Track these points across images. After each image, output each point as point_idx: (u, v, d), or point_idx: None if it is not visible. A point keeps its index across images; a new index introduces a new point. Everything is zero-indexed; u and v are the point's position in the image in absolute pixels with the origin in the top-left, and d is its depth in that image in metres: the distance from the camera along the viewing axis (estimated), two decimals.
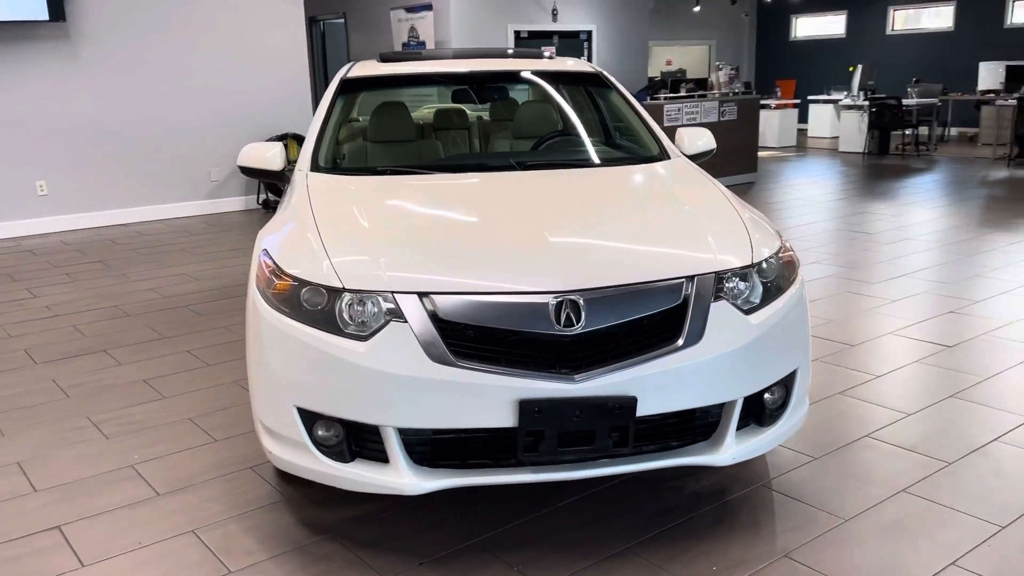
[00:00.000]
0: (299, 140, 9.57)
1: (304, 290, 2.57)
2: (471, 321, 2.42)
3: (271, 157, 3.73)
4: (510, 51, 4.58)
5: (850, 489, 2.95)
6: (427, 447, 2.52)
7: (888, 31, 17.56)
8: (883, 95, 13.52)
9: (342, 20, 11.70)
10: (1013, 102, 11.73)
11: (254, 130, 9.46)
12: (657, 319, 2.50)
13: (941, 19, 16.85)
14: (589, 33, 11.23)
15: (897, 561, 2.52)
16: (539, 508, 2.87)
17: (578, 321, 2.42)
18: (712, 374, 2.50)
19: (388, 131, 4.00)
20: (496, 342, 2.43)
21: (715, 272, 2.60)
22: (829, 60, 18.20)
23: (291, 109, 9.65)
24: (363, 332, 2.47)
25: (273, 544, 2.71)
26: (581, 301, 2.44)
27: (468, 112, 4.68)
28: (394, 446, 2.48)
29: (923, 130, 14.14)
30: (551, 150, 3.94)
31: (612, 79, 4.31)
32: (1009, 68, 12.64)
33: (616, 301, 2.47)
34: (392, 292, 2.48)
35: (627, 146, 4.00)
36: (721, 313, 2.56)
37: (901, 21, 17.43)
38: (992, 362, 4.12)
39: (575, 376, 2.39)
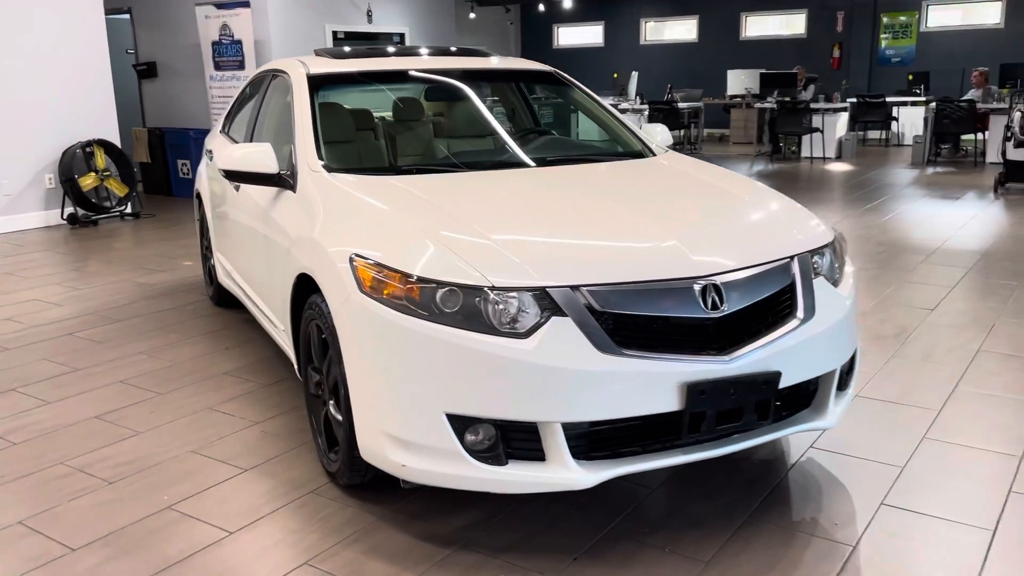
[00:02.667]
0: (106, 147, 8.67)
1: (442, 291, 2.46)
2: (627, 310, 2.46)
3: (265, 160, 3.44)
4: (453, 49, 4.55)
5: (883, 439, 3.31)
6: (583, 440, 2.52)
7: (641, 41, 19.12)
8: (659, 100, 14.70)
9: (127, 16, 10.72)
10: (773, 105, 13.27)
11: (53, 137, 8.44)
12: (778, 297, 2.69)
13: (687, 31, 18.64)
14: (402, 35, 11.20)
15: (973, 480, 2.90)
16: (642, 494, 2.94)
17: (722, 303, 2.54)
18: (827, 344, 2.73)
19: (371, 130, 3.85)
20: (652, 329, 2.48)
21: (810, 251, 2.83)
22: (590, 68, 19.42)
23: (94, 114, 8.71)
24: (521, 329, 2.42)
25: (409, 562, 2.56)
26: (721, 284, 2.56)
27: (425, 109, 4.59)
28: (559, 442, 2.45)
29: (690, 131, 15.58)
30: (548, 146, 3.99)
31: (568, 77, 4.43)
32: (763, 75, 14.26)
33: (746, 282, 2.62)
34: (545, 287, 2.45)
35: (611, 141, 4.13)
36: (820, 288, 2.80)
37: (652, 33, 19.04)
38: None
39: (726, 356, 2.51)
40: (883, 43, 16.44)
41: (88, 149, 8.55)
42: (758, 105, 14.12)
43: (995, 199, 9.09)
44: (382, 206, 2.92)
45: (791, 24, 17.38)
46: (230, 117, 5.14)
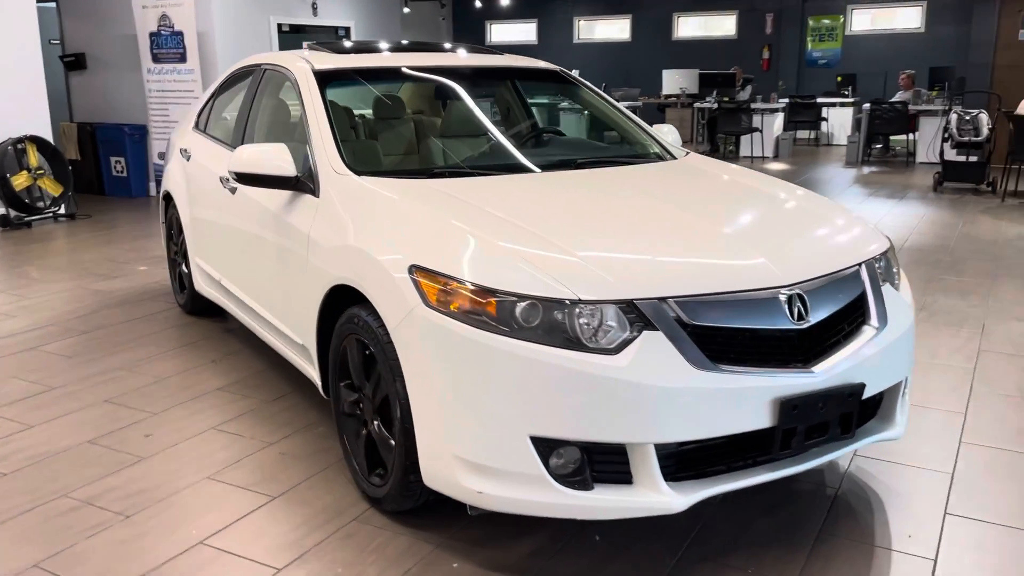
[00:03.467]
0: (39, 144, 8.12)
1: (523, 305, 2.30)
2: (717, 323, 2.35)
3: (281, 162, 3.20)
4: (447, 45, 4.37)
5: (922, 444, 3.29)
6: (671, 460, 2.39)
7: (575, 40, 19.14)
8: None
9: (53, 4, 10.09)
10: (713, 105, 13.43)
11: None
12: (853, 306, 2.62)
13: (620, 30, 18.75)
14: (347, 29, 10.87)
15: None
16: (703, 512, 2.84)
17: (807, 313, 2.46)
18: (900, 352, 2.68)
19: (397, 129, 3.65)
20: (741, 343, 2.38)
21: (873, 257, 2.78)
22: None
23: (25, 109, 8.14)
24: (609, 345, 2.28)
25: None
26: (804, 294, 2.48)
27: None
28: (650, 464, 2.31)
29: None
30: (575, 148, 3.85)
31: (574, 76, 4.30)
32: (702, 75, 14.42)
33: (824, 291, 2.54)
34: (632, 299, 2.31)
35: (630, 143, 4.01)
36: (888, 295, 2.74)
37: (586, 31, 19.09)
38: None
39: (814, 369, 2.42)
40: (810, 45, 16.86)
41: (20, 146, 7.98)
42: (697, 105, 14.27)
43: (936, 198, 9.37)
44: (435, 213, 2.73)
45: (722, 25, 17.66)
46: (204, 114, 4.82)
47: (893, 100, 12.90)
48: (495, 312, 2.32)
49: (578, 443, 2.31)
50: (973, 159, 9.78)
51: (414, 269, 2.50)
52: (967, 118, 9.98)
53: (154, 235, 7.57)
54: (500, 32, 19.95)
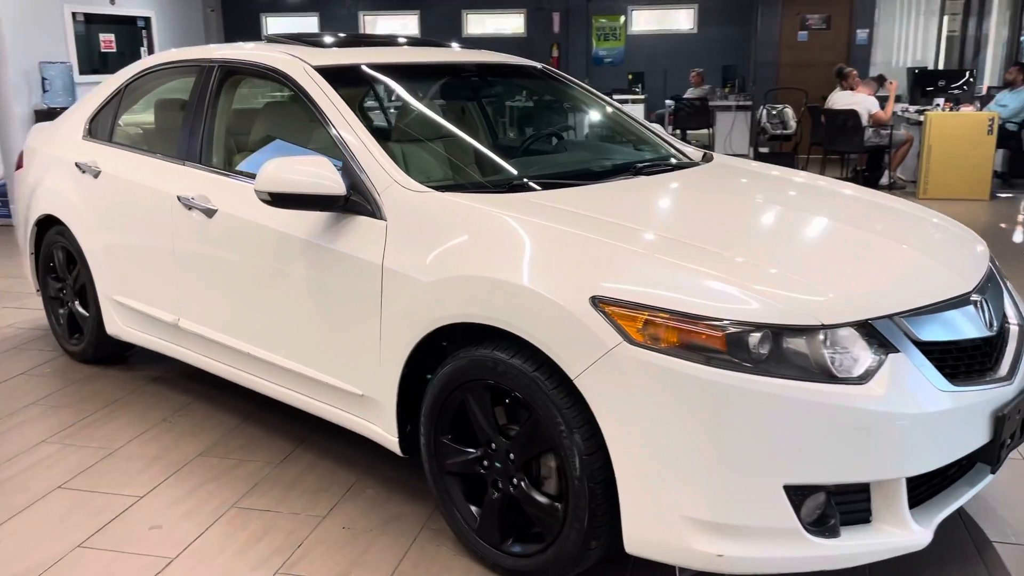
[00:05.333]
0: None
1: (756, 335, 2.01)
2: (939, 338, 2.20)
3: (328, 178, 2.63)
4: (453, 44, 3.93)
5: None
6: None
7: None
8: None
9: None
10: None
11: None
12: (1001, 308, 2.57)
13: (404, 26, 18.37)
14: (147, 19, 9.61)
15: None
16: None
17: (995, 320, 2.38)
18: None
19: (434, 136, 3.16)
20: (958, 356, 2.25)
21: (989, 259, 2.76)
22: None
23: None
24: (854, 373, 2.05)
25: None
26: (985, 300, 2.40)
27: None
28: (899, 499, 2.11)
29: None
30: (611, 153, 3.53)
31: (564, 74, 4.00)
32: None
33: (990, 294, 2.48)
34: (869, 320, 2.10)
35: (645, 147, 3.75)
36: (1016, 295, 2.74)
37: (371, 27, 18.51)
38: None
39: (1008, 376, 2.34)
40: (596, 44, 17.50)
41: None
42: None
43: None
44: (580, 232, 2.34)
45: (512, 23, 17.84)
46: (104, 120, 3.95)
47: (689, 96, 13.66)
48: (724, 345, 2.01)
49: (824, 487, 2.06)
50: (784, 151, 10.58)
51: (598, 301, 2.11)
52: (774, 112, 10.77)
53: None
54: (277, 26, 18.81)
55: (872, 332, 2.09)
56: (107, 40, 8.96)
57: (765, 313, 2.04)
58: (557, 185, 2.78)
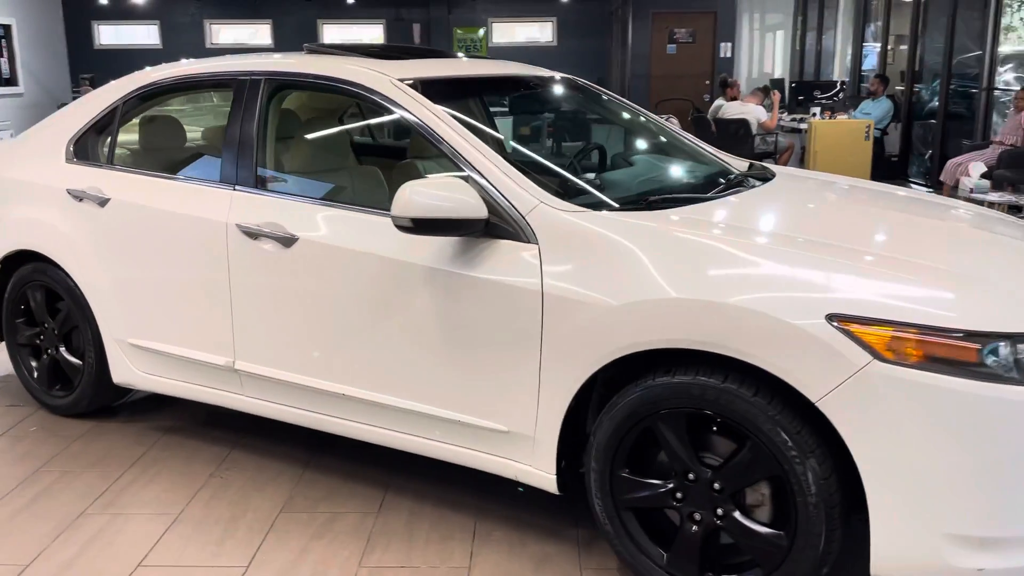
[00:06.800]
0: None
1: (1005, 344, 2.03)
2: None
3: (466, 205, 2.44)
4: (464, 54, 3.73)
5: None
6: None
7: (208, 44, 17.52)
8: None
9: None
10: None
11: None
12: None
13: (251, 34, 17.61)
14: (7, 27, 8.61)
15: None
16: None
17: None
18: None
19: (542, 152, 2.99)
20: None
21: None
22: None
23: None
24: None
25: None
26: None
27: None
28: None
29: None
30: (679, 167, 3.46)
31: (593, 85, 3.92)
32: None
33: None
34: None
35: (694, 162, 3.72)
36: None
37: (217, 35, 17.57)
38: None
39: None
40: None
41: None
42: None
43: None
44: (768, 248, 2.29)
45: (370, 34, 17.49)
46: (103, 143, 3.46)
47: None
48: (975, 357, 2.02)
49: None
50: None
51: (836, 319, 2.06)
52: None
53: None
54: (111, 35, 17.45)
55: None
56: None
57: (1007, 322, 2.06)
58: (680, 202, 2.70)
